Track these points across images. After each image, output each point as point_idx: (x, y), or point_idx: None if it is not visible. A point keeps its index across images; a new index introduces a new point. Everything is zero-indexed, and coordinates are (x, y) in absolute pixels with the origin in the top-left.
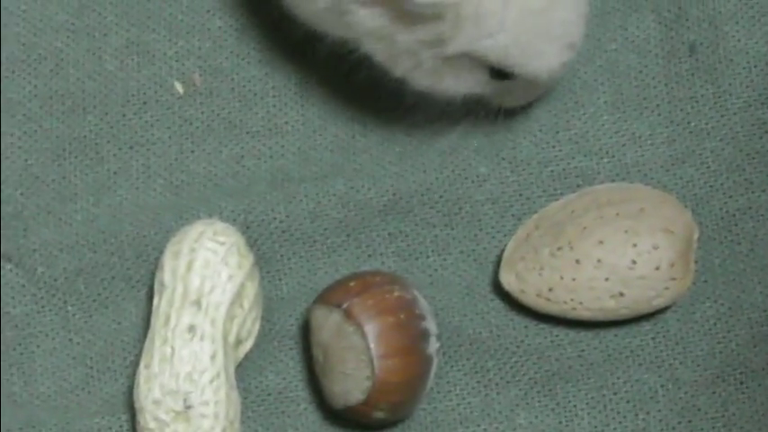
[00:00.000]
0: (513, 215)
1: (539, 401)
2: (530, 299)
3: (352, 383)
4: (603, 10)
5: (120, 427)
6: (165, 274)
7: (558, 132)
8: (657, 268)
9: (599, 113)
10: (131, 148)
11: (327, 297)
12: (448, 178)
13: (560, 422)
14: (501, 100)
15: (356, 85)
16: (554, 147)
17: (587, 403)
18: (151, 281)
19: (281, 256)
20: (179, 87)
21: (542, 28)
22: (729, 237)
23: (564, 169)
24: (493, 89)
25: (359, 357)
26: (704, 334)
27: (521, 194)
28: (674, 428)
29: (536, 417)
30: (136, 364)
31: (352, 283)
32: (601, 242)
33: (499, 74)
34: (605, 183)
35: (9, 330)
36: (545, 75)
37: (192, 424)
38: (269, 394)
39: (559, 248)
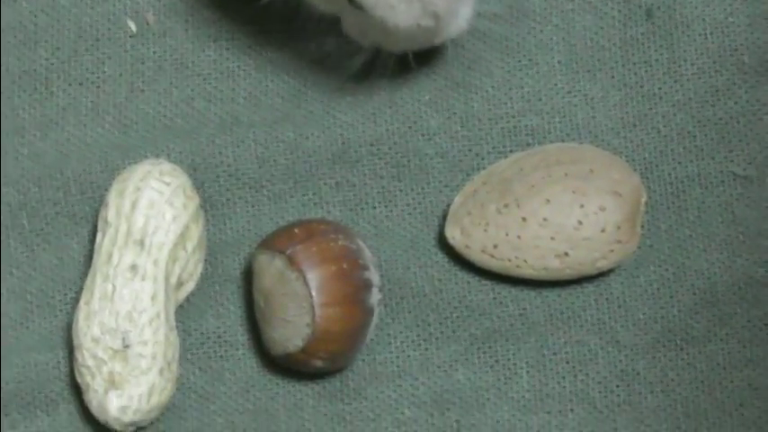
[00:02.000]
0: (461, 170)
1: (478, 358)
2: (474, 254)
3: (291, 330)
4: None
5: (58, 363)
6: (110, 213)
7: (510, 89)
8: (603, 230)
9: (552, 73)
10: (81, 84)
11: (271, 243)
12: (398, 130)
13: (499, 380)
14: (378, 40)
15: (309, 33)
16: (506, 104)
17: (527, 362)
18: (95, 218)
19: (227, 200)
20: (132, 25)
21: None
22: (677, 203)
23: (515, 127)
24: (355, 20)
25: (300, 305)
26: (647, 298)
27: (470, 150)
28: (612, 391)
29: (474, 373)
30: (76, 300)
31: (296, 230)
32: (548, 201)
33: (353, 2)
34: (556, 142)
35: None
36: (390, 23)
37: (130, 363)
38: (208, 338)
39: (506, 205)
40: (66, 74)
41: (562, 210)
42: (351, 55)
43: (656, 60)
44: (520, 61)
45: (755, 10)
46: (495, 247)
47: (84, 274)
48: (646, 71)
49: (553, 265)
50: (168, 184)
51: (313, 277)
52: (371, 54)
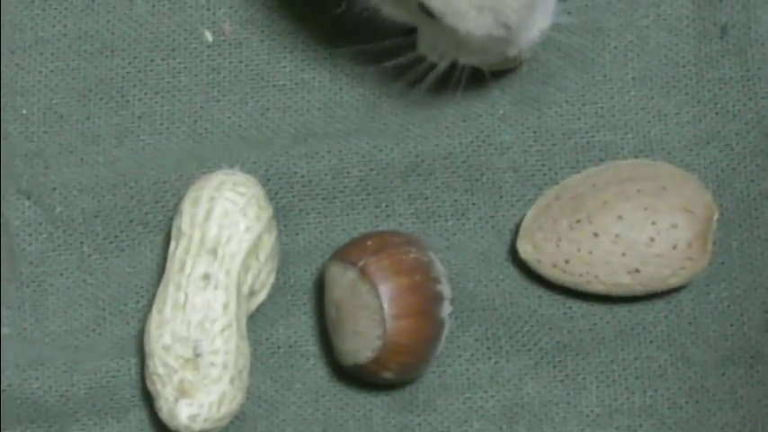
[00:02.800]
0: (534, 185)
1: (548, 372)
2: (545, 269)
3: (362, 342)
4: None
5: (129, 370)
6: (184, 221)
7: (584, 105)
8: (675, 247)
9: (626, 89)
10: (157, 93)
11: (344, 254)
12: (471, 144)
13: (568, 394)
14: (451, 52)
15: (385, 44)
16: (579, 119)
17: (596, 377)
18: (168, 227)
19: (300, 210)
20: (208, 36)
21: None
22: (749, 220)
23: (588, 142)
24: (429, 33)
25: (371, 316)
26: (717, 315)
27: (543, 164)
28: (681, 407)
29: (544, 387)
30: (148, 308)
31: (369, 242)
32: (620, 217)
33: (424, 9)
34: (628, 158)
35: (24, 267)
36: (463, 32)
37: (201, 372)
38: (279, 347)
39: (578, 221)
40: (142, 83)
41: (634, 226)
42: (426, 68)
43: (731, 78)
44: (594, 77)
45: None
46: (567, 262)
47: (157, 283)
48: (720, 88)
49: (624, 282)
50: (242, 195)
51: (385, 290)
52: (447, 68)
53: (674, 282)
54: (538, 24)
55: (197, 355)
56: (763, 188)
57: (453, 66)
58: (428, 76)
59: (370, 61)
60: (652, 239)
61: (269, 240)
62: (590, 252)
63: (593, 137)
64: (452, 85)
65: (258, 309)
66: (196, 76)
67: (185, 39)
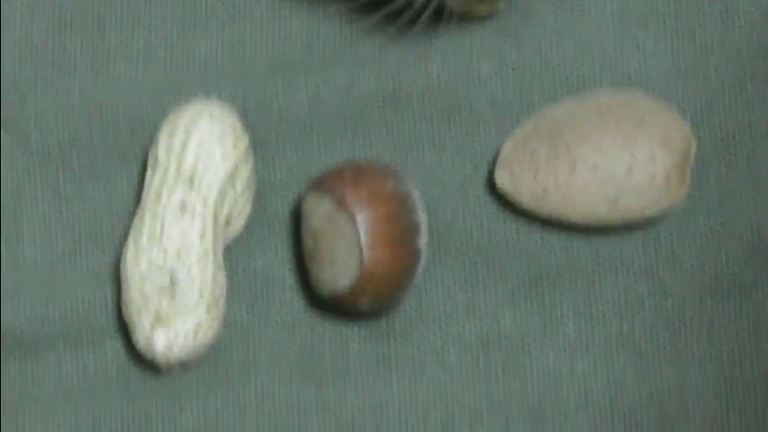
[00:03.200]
0: (511, 116)
1: (525, 303)
2: (523, 200)
3: (339, 271)
4: None
5: (105, 299)
6: (160, 151)
7: (562, 37)
8: (653, 178)
9: (605, 21)
10: (133, 23)
11: (321, 184)
12: (450, 75)
13: (545, 324)
14: None
15: None
16: (558, 51)
17: (573, 308)
18: (144, 157)
19: (277, 140)
20: None
21: None
22: (726, 153)
23: (566, 75)
24: None
25: (348, 246)
26: (695, 247)
27: (521, 96)
28: (658, 338)
29: (521, 318)
30: (124, 238)
31: (346, 172)
32: (598, 148)
33: None
34: (606, 90)
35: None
36: None
37: (177, 300)
38: (255, 277)
39: (556, 152)
40: (118, 13)
41: (612, 157)
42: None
43: (709, 11)
44: (573, 9)
45: None
46: (545, 192)
47: (133, 212)
48: (698, 21)
49: (601, 212)
50: (219, 125)
51: (362, 219)
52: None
53: (651, 213)
54: None
55: (173, 284)
56: (740, 120)
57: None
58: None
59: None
60: (630, 170)
61: (245, 170)
62: (567, 183)
63: (571, 69)
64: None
65: (235, 239)
66: (173, 6)
67: None
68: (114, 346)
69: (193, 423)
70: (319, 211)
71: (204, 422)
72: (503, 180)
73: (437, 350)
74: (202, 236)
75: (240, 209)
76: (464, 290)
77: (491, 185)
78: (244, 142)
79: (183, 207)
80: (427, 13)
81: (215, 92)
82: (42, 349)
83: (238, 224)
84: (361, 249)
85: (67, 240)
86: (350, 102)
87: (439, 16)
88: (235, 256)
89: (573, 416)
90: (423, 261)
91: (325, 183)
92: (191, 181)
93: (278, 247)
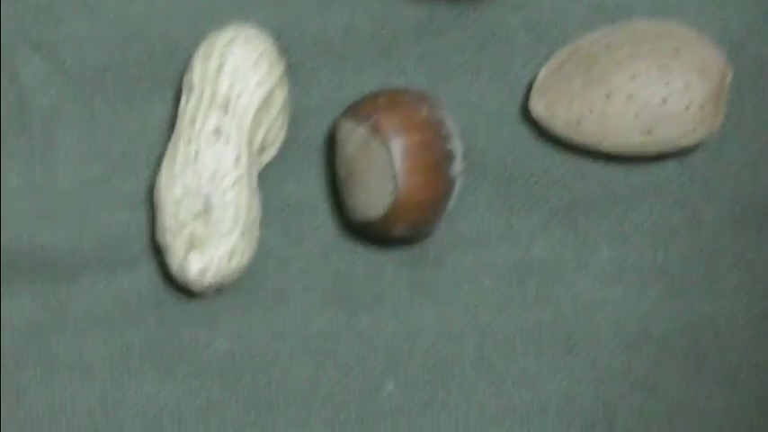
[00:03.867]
0: (547, 44)
1: (559, 230)
2: (558, 128)
3: (373, 198)
4: None
5: (139, 223)
6: (195, 76)
7: None
8: (687, 108)
9: None
10: None
11: (355, 110)
12: (484, 1)
13: (579, 252)
14: None
15: None
16: None
17: (607, 236)
18: (179, 81)
19: (312, 66)
20: None
21: None
22: (762, 83)
23: (602, 2)
24: None
25: (382, 173)
26: (729, 177)
27: (556, 24)
28: (691, 267)
29: (555, 245)
30: (158, 163)
31: (380, 99)
32: (633, 77)
33: None
34: (642, 18)
35: (34, 120)
36: None
37: (211, 225)
38: (289, 203)
39: (591, 81)
40: None
41: (647, 86)
42: None
43: None
44: None
45: None
46: (579, 122)
47: (168, 137)
48: None
49: (636, 142)
50: (254, 50)
51: (396, 145)
52: None
53: (686, 142)
54: None
55: (207, 209)
56: None
57: None
58: None
59: None
60: (665, 100)
61: (280, 96)
62: (602, 112)
63: None
64: None
65: (269, 164)
66: None
67: None
68: (148, 270)
69: (226, 348)
70: (353, 137)
71: (237, 347)
72: (538, 108)
73: (471, 277)
74: (237, 161)
75: (275, 134)
76: (498, 217)
77: (526, 113)
78: (279, 68)
79: (217, 132)
80: None
81: (250, 16)
82: (76, 274)
83: (273, 150)
84: (395, 176)
85: (102, 164)
86: (384, 28)
87: None
88: (269, 181)
89: (606, 344)
90: (457, 188)
91: (359, 109)
92: (225, 106)
93: (312, 174)
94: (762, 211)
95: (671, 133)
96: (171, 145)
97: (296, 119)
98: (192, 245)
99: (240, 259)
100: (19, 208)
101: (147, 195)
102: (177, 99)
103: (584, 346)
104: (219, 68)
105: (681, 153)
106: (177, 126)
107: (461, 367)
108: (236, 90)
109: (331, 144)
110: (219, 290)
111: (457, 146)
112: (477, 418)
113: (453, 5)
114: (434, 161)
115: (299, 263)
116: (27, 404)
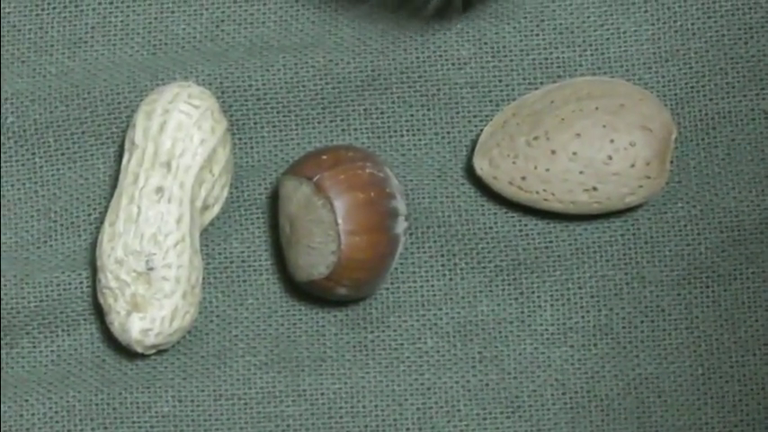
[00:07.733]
0: (491, 101)
1: (502, 290)
2: (502, 186)
3: (317, 257)
4: None
5: (80, 283)
6: (137, 134)
7: (542, 21)
8: (633, 165)
9: (585, 5)
10: (111, 3)
11: (298, 168)
12: (428, 59)
13: (523, 312)
14: None
15: None
16: (537, 35)
17: (551, 295)
18: (121, 139)
19: (255, 124)
20: None
21: None
22: (707, 140)
23: (546, 59)
24: None
25: (326, 231)
26: (674, 235)
27: (500, 81)
28: (636, 326)
29: (498, 305)
30: (100, 221)
31: (324, 157)
32: (578, 135)
33: None
34: (587, 76)
35: None
36: None
37: (153, 286)
38: (232, 262)
39: (536, 138)
40: None
41: (592, 144)
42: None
43: None
44: None
45: None
46: (524, 179)
47: (110, 195)
48: (679, 6)
49: (581, 199)
50: (197, 107)
51: (340, 204)
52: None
53: (631, 200)
54: None
55: (149, 269)
56: (721, 108)
57: None
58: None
59: None
60: (610, 157)
61: (223, 154)
62: (547, 169)
63: (551, 53)
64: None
65: (212, 223)
66: None
67: None
68: (90, 330)
69: (169, 409)
70: (297, 195)
71: (179, 409)
72: (481, 166)
73: (414, 337)
74: (179, 220)
75: (217, 193)
76: (441, 276)
77: (470, 171)
78: (222, 125)
79: (159, 191)
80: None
81: (193, 73)
82: (17, 334)
83: (216, 208)
84: (338, 235)
85: (43, 223)
86: (328, 84)
87: (447, 4)
88: (211, 240)
89: (550, 405)
90: (401, 247)
91: (302, 167)
92: (168, 164)
93: (255, 232)
94: (707, 269)
95: (616, 191)
96: (113, 203)
97: (239, 176)
98: (135, 306)
99: (182, 320)
100: None
101: (88, 255)
102: (119, 157)
103: (529, 407)
104: (162, 126)
105: (625, 211)
106: (119, 184)
107: (404, 429)
108: (179, 148)
109: (274, 202)
110: (161, 351)
111: (401, 204)
112: None
113: (397, 62)
114: (378, 220)
115: (242, 323)
116: None
